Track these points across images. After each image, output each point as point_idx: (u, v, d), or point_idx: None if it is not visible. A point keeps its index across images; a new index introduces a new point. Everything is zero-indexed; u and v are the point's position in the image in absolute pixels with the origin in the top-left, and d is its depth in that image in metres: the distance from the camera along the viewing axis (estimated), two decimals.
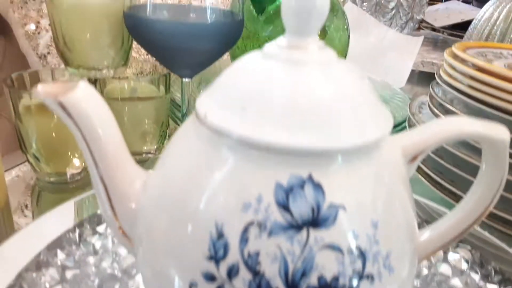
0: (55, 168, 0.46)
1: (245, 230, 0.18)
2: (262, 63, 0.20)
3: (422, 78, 1.10)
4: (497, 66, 0.47)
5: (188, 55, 0.43)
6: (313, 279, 0.17)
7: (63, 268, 0.29)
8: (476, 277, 0.34)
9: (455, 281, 0.33)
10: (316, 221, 0.18)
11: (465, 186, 0.45)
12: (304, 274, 0.17)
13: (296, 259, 0.17)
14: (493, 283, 0.33)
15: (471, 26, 0.91)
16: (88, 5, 0.41)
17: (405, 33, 1.18)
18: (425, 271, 0.34)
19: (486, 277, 0.34)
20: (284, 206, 0.18)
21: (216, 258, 0.18)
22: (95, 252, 0.31)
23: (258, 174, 0.18)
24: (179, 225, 0.19)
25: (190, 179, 0.20)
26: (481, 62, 0.45)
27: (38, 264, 0.29)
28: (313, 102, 0.19)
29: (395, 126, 0.59)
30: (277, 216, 0.18)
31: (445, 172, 0.47)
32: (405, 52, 1.02)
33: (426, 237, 0.25)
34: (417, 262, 0.24)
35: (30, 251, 0.30)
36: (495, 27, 0.85)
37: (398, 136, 0.23)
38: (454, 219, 0.25)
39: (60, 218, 0.34)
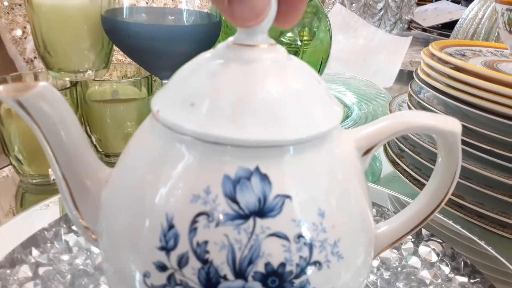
0: (37, 170, 0.47)
1: (194, 221, 0.18)
2: (212, 61, 0.21)
3: (411, 77, 1.11)
4: (472, 64, 0.48)
5: (166, 57, 0.43)
6: (260, 266, 0.18)
7: (37, 265, 0.30)
8: (446, 269, 0.34)
9: (424, 273, 0.33)
10: (262, 211, 0.18)
11: None
12: (251, 261, 0.18)
13: (243, 247, 0.18)
14: (463, 275, 0.34)
15: (457, 25, 0.92)
16: (66, 8, 0.42)
17: (394, 34, 1.19)
18: (395, 263, 0.34)
19: (456, 270, 0.34)
20: (231, 197, 0.18)
21: (167, 248, 0.19)
22: (70, 250, 0.32)
23: (207, 167, 0.19)
24: (135, 219, 0.20)
25: (145, 174, 0.20)
26: (456, 61, 0.45)
27: (12, 261, 0.30)
28: (260, 97, 0.19)
29: None
30: (224, 207, 0.18)
31: (423, 168, 0.48)
32: (393, 52, 1.03)
33: (385, 228, 0.26)
34: (375, 252, 0.25)
35: (5, 248, 0.30)
36: (480, 26, 0.86)
37: (352, 130, 0.24)
38: (412, 211, 0.26)
39: (39, 216, 0.35)
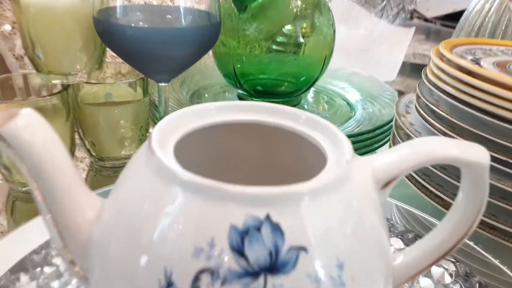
0: None
1: (196, 278, 0.16)
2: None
3: (414, 70, 1.08)
4: (483, 68, 0.45)
5: (163, 61, 0.41)
6: None
7: None
8: None
9: None
10: (274, 266, 0.16)
11: (452, 190, 0.44)
12: None
13: None
14: None
15: (463, 17, 0.89)
16: (55, 8, 0.39)
17: (396, 24, 1.16)
18: (405, 286, 0.32)
19: None
20: (239, 251, 0.16)
21: None
22: (60, 275, 0.30)
23: (211, 215, 0.17)
24: (130, 269, 0.18)
25: (141, 219, 0.18)
26: (467, 64, 0.43)
27: None
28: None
29: (381, 126, 0.57)
30: (231, 263, 0.16)
31: (432, 176, 0.46)
32: (396, 44, 1.01)
33: (401, 261, 0.24)
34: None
35: None
36: (486, 19, 0.83)
37: (367, 158, 0.21)
38: (430, 244, 0.24)
39: (28, 236, 0.33)
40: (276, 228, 0.16)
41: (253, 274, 0.16)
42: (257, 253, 0.16)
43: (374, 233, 0.20)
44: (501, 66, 0.49)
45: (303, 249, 0.16)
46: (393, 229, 0.39)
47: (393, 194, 0.55)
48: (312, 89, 0.70)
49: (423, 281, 0.33)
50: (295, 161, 0.25)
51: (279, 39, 0.64)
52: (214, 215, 0.16)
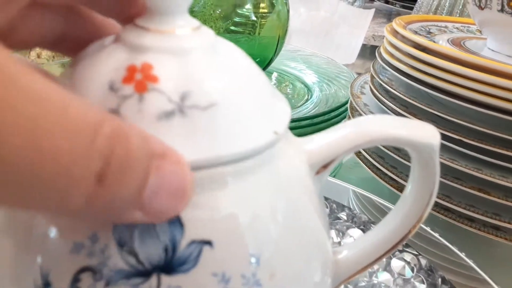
0: None
1: (76, 279, 0.13)
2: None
3: (374, 52, 1.07)
4: (437, 44, 0.43)
5: None
6: None
7: None
8: (422, 286, 0.30)
9: None
10: (170, 264, 0.13)
11: (407, 172, 0.42)
12: None
13: None
14: None
15: None
16: None
17: (357, 6, 1.14)
18: (363, 283, 0.30)
19: (432, 286, 0.30)
20: (127, 247, 0.13)
21: None
22: None
23: None
24: (6, 266, 0.15)
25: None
26: (421, 40, 0.41)
27: None
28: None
29: (337, 108, 0.55)
30: (117, 260, 0.13)
31: (386, 157, 0.44)
32: (355, 26, 0.99)
33: (346, 254, 0.21)
34: (335, 283, 0.21)
35: None
36: None
37: (302, 139, 0.18)
38: (379, 235, 0.21)
39: None
40: (174, 219, 0.13)
41: (144, 273, 0.13)
42: (149, 248, 0.13)
43: (306, 224, 0.17)
44: (456, 43, 0.48)
45: (207, 243, 0.14)
46: (356, 219, 0.37)
47: (350, 179, 0.53)
48: (269, 70, 0.68)
49: (382, 275, 0.31)
50: None
51: (236, 19, 0.61)
52: None
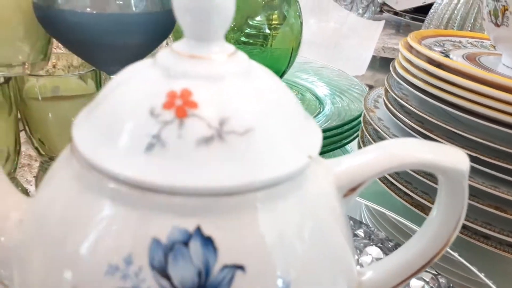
0: None
1: None
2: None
3: (384, 64, 1.07)
4: (453, 60, 0.44)
5: (112, 50, 0.37)
6: None
7: None
8: None
9: None
10: None
11: (421, 187, 0.42)
12: None
13: None
14: None
15: (432, 10, 0.88)
16: None
17: (366, 17, 1.15)
18: None
19: None
20: (161, 270, 0.13)
21: None
22: None
23: (129, 226, 0.14)
24: (44, 283, 0.15)
25: (55, 227, 0.15)
26: (436, 56, 0.41)
27: None
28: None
29: (350, 122, 0.55)
30: (151, 283, 0.13)
31: (401, 173, 0.44)
32: (365, 38, 0.99)
33: (370, 276, 0.21)
34: None
35: None
36: (455, 12, 0.82)
37: (330, 161, 0.19)
38: (403, 258, 0.21)
39: None
40: (208, 243, 0.14)
41: None
42: (183, 272, 0.13)
43: (332, 247, 0.17)
44: (470, 58, 0.48)
45: (239, 267, 0.14)
46: (373, 236, 0.36)
47: (363, 192, 0.53)
48: None
49: None
50: None
51: (247, 30, 0.61)
52: (133, 226, 0.14)
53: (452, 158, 0.18)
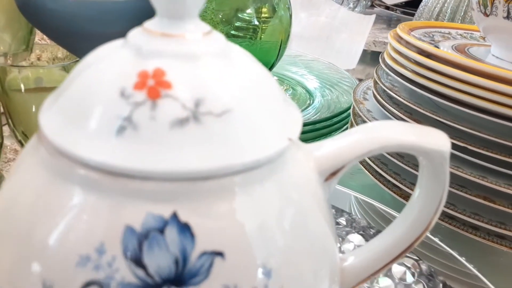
0: None
1: None
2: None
3: (375, 58, 1.06)
4: (442, 50, 0.43)
5: (96, 40, 0.36)
6: None
7: None
8: None
9: None
10: (181, 277, 0.13)
11: (410, 179, 0.42)
12: None
13: None
14: None
15: (422, 3, 0.88)
16: None
17: (357, 11, 1.14)
18: (363, 286, 0.30)
19: None
20: (136, 259, 0.13)
21: None
22: None
23: (100, 213, 0.13)
24: (11, 276, 0.14)
25: (23, 218, 0.15)
26: (426, 46, 0.41)
27: None
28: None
29: (339, 114, 0.55)
30: (125, 273, 0.13)
31: (389, 164, 0.44)
32: (356, 32, 0.99)
33: (352, 262, 0.21)
34: None
35: None
36: (445, 5, 0.82)
37: (311, 145, 0.18)
38: (385, 242, 0.21)
39: None
40: (185, 230, 0.13)
41: (154, 287, 0.13)
42: (159, 261, 0.13)
43: (314, 232, 0.16)
44: (460, 49, 0.47)
45: (218, 254, 0.13)
46: (355, 224, 0.36)
47: (352, 185, 0.53)
48: None
49: (383, 281, 0.30)
50: None
51: (237, 23, 0.61)
52: (105, 213, 0.13)
53: (433, 140, 0.18)
